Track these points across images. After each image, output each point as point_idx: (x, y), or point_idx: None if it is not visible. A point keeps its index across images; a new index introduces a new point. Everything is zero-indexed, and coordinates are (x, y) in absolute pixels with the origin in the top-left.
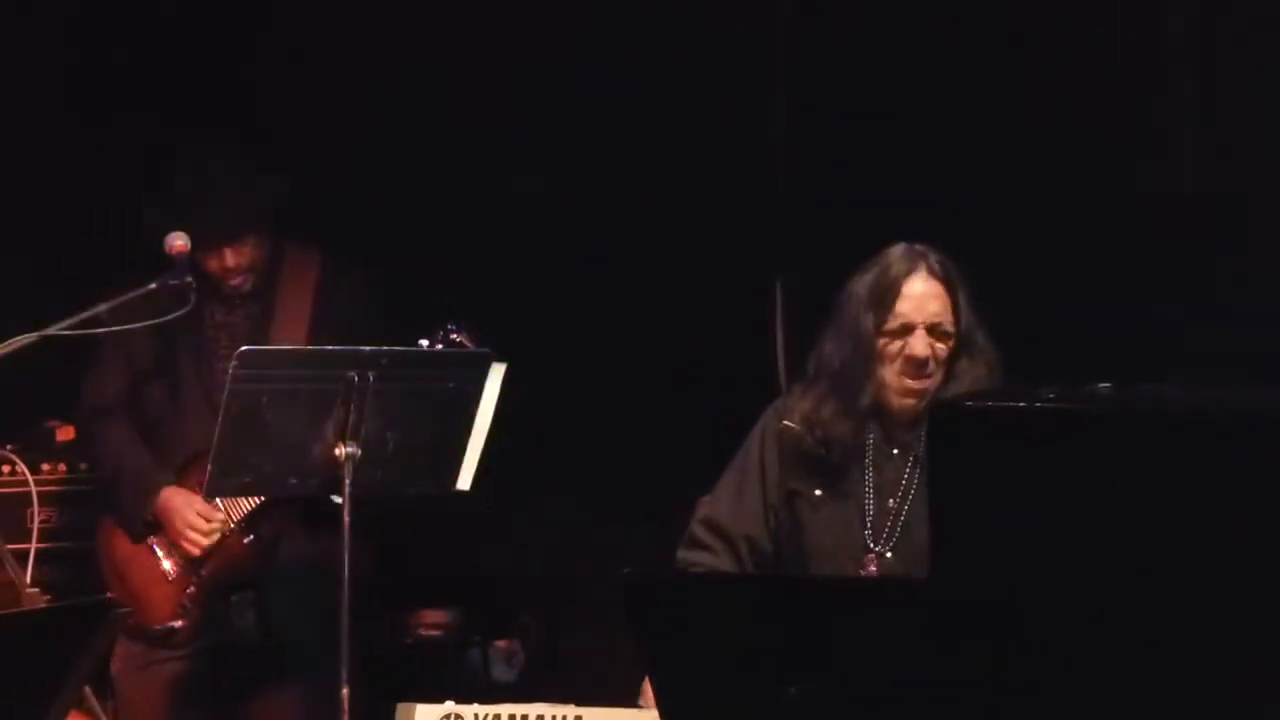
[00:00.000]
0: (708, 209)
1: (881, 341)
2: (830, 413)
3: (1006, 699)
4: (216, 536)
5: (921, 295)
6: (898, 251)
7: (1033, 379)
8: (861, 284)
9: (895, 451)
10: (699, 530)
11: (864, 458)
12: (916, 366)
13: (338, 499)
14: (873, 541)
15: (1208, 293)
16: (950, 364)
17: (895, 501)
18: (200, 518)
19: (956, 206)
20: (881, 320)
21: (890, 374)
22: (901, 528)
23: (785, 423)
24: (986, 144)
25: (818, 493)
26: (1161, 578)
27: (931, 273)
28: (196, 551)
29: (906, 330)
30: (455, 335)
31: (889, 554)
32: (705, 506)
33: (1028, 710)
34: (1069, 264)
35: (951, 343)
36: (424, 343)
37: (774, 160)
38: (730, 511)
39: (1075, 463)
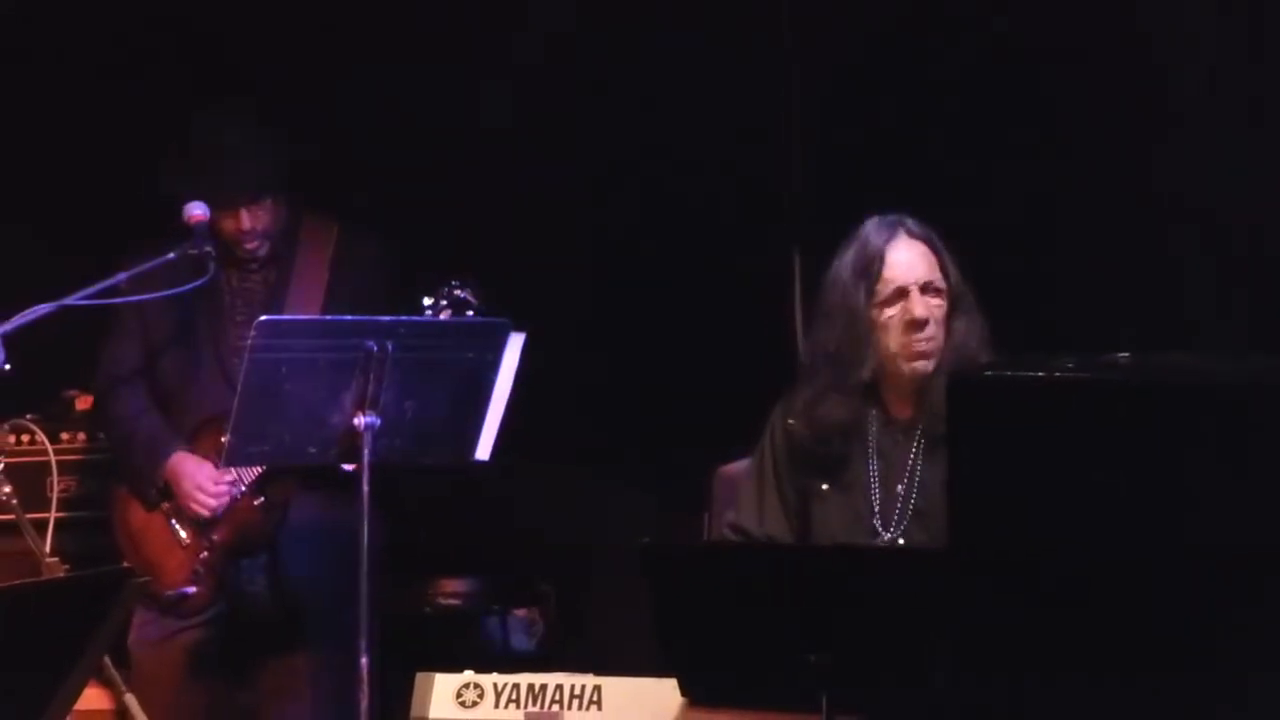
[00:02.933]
0: (727, 179)
1: (876, 312)
2: (830, 400)
3: (1026, 667)
4: (225, 500)
5: (908, 258)
6: (872, 224)
7: (1042, 350)
8: (843, 263)
9: (900, 434)
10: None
11: (867, 445)
12: (919, 327)
13: (349, 467)
14: (882, 528)
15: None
16: (949, 323)
17: (903, 487)
18: (209, 481)
19: (975, 179)
20: (872, 290)
21: (893, 341)
22: (911, 513)
23: (790, 421)
24: (1005, 116)
25: (824, 487)
26: (1181, 545)
27: (912, 235)
28: (205, 514)
29: (901, 294)
30: (459, 291)
31: (900, 541)
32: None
33: (1048, 679)
34: (1089, 238)
35: (946, 301)
36: (428, 300)
37: (792, 130)
38: (754, 515)
39: (1095, 432)
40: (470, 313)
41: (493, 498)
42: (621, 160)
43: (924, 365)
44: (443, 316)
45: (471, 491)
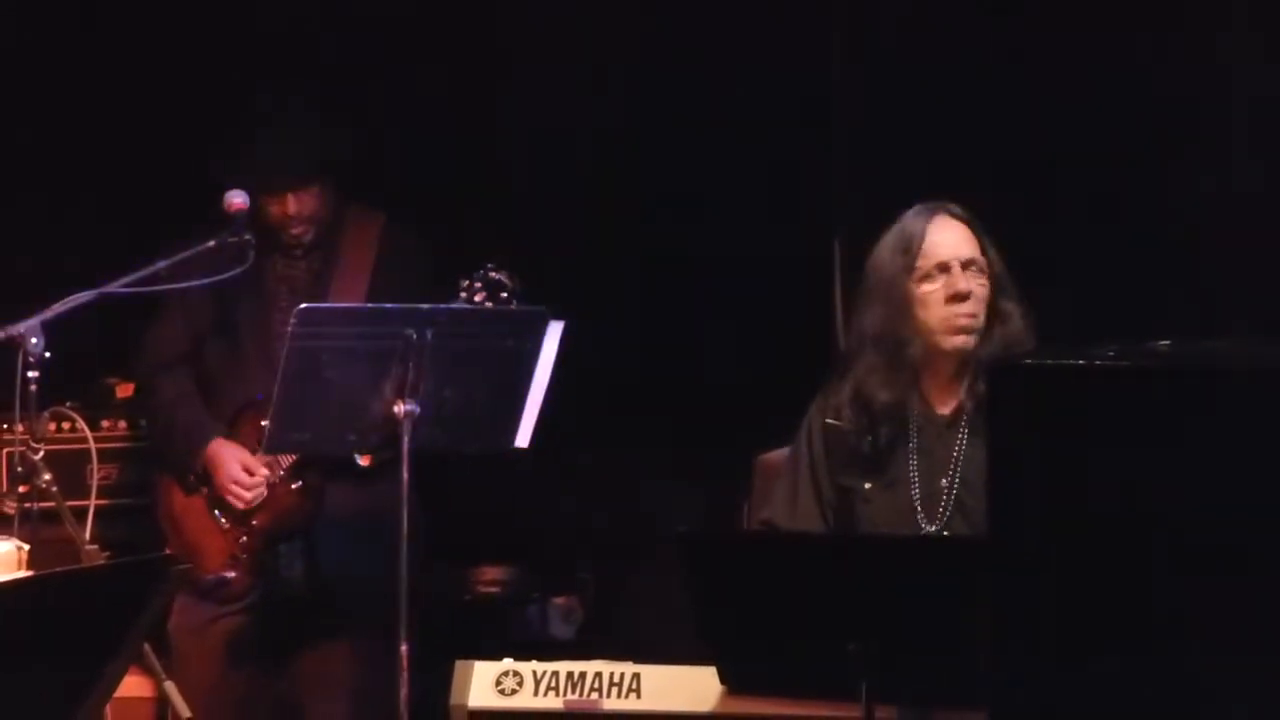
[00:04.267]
0: (768, 164)
1: (916, 288)
2: (876, 381)
3: (1063, 656)
4: (262, 491)
5: (949, 237)
6: (912, 210)
7: (1081, 337)
8: (884, 248)
9: (943, 427)
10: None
11: (909, 439)
12: (961, 299)
13: (364, 461)
14: (925, 523)
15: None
16: (993, 305)
17: (946, 480)
18: (245, 471)
19: (1018, 162)
20: (912, 267)
21: (934, 316)
22: (955, 506)
23: (828, 420)
24: (1050, 104)
25: (867, 486)
26: (1225, 531)
27: (953, 215)
28: (241, 505)
29: (942, 269)
30: (494, 273)
31: (944, 534)
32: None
33: (1085, 667)
34: (1131, 227)
35: (989, 281)
36: (464, 282)
37: (834, 117)
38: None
39: (1135, 420)
40: (504, 295)
41: (532, 486)
42: (663, 148)
43: (965, 341)
44: (478, 299)
45: (511, 479)
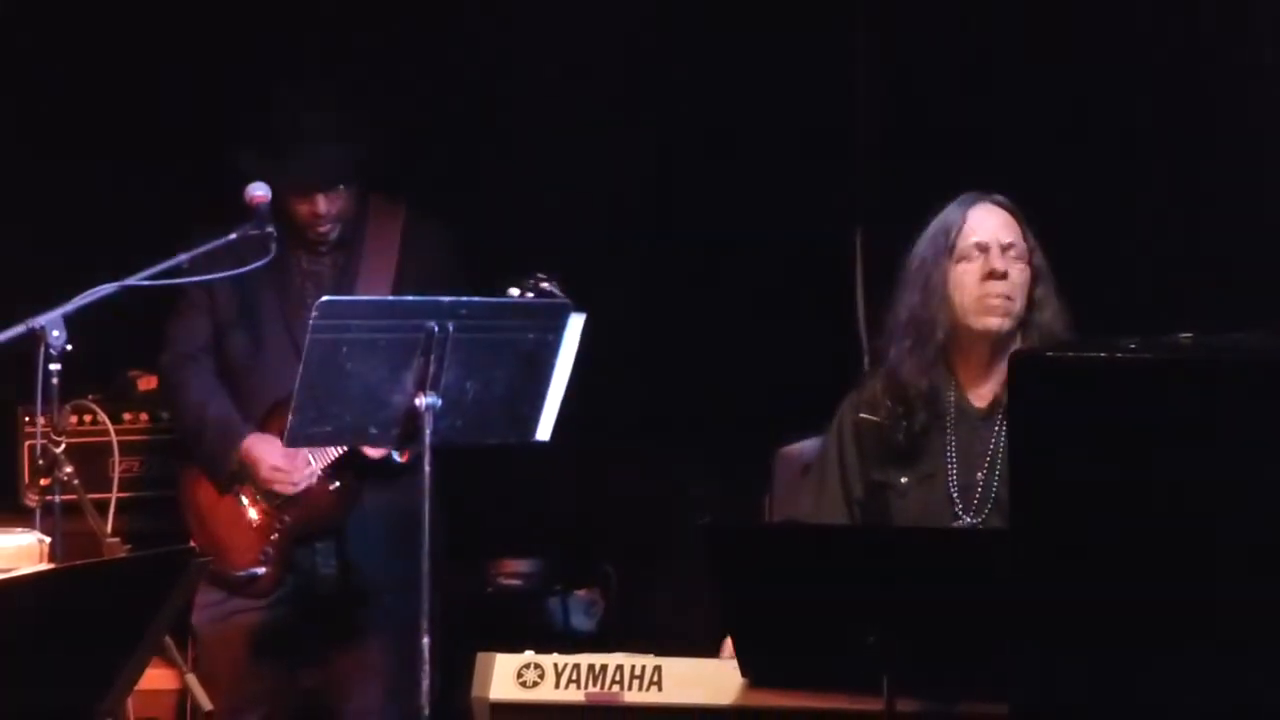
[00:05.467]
0: (788, 156)
1: (952, 268)
2: (910, 366)
3: (1086, 648)
4: (308, 474)
5: (990, 221)
6: (955, 199)
7: (1111, 330)
8: (923, 237)
9: (979, 420)
10: None
11: (945, 428)
12: (997, 277)
13: (400, 458)
14: (963, 514)
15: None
16: (1032, 293)
17: (983, 474)
18: (285, 460)
19: (1043, 157)
20: (951, 248)
21: (968, 295)
22: (993, 499)
23: (861, 415)
24: (1073, 94)
25: (903, 480)
26: (1252, 525)
27: (995, 203)
28: (290, 491)
29: (980, 249)
30: (545, 284)
31: (980, 528)
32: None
33: (1108, 659)
34: (1155, 221)
35: (1028, 269)
36: (514, 291)
37: (856, 107)
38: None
39: (1159, 413)
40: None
41: (553, 479)
42: (686, 140)
43: (998, 322)
44: None
45: (532, 472)
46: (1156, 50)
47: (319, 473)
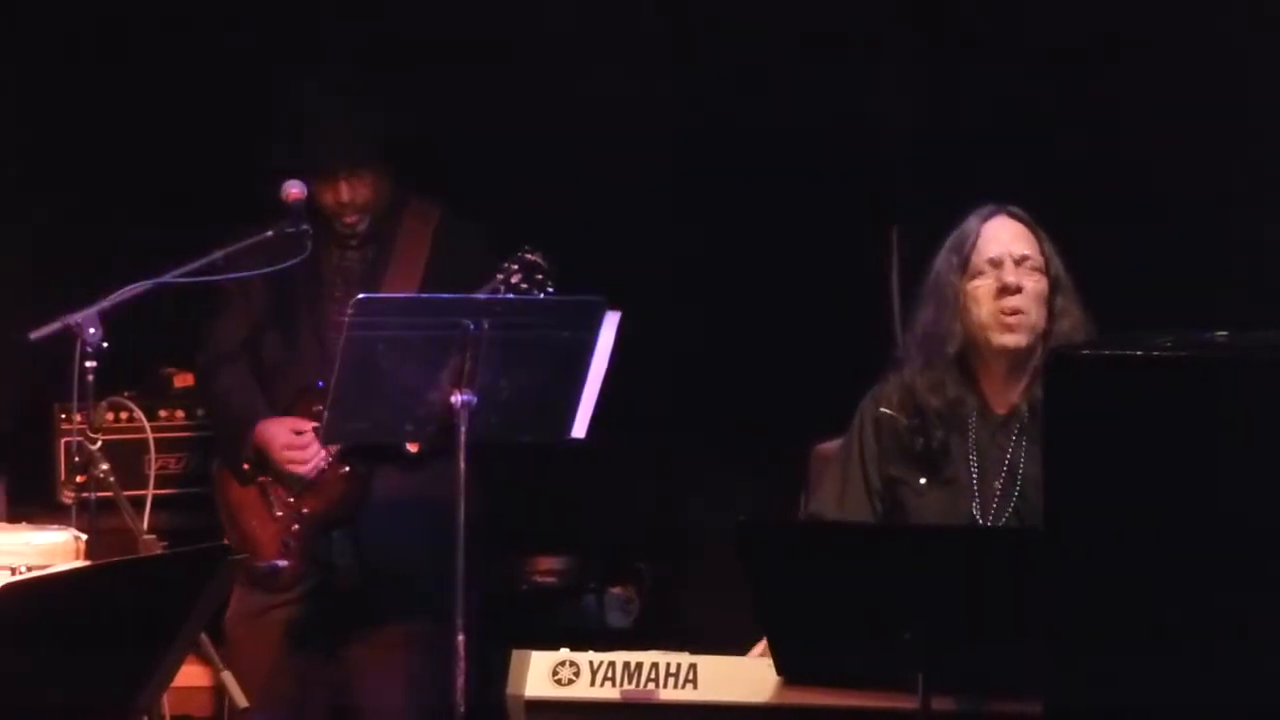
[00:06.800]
0: (827, 157)
1: (967, 284)
2: (924, 383)
3: (1122, 645)
4: (319, 456)
5: (1004, 234)
6: (973, 210)
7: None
8: (941, 250)
9: (998, 428)
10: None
11: (967, 435)
12: (1009, 293)
13: (410, 448)
14: (980, 518)
15: None
16: (1050, 305)
17: (1001, 483)
18: (296, 438)
19: (1079, 156)
20: (965, 263)
21: (983, 311)
22: (1011, 509)
23: (882, 409)
24: (1109, 92)
25: (922, 481)
26: None
27: (1011, 215)
28: (303, 470)
29: (994, 265)
30: (530, 255)
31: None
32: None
33: (1144, 656)
34: (1188, 220)
35: (1045, 280)
36: (501, 264)
37: (892, 104)
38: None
39: (1193, 411)
40: (540, 276)
41: (589, 476)
42: (721, 138)
43: (1014, 339)
44: (514, 280)
45: (568, 469)
46: (1189, 50)
47: (329, 457)
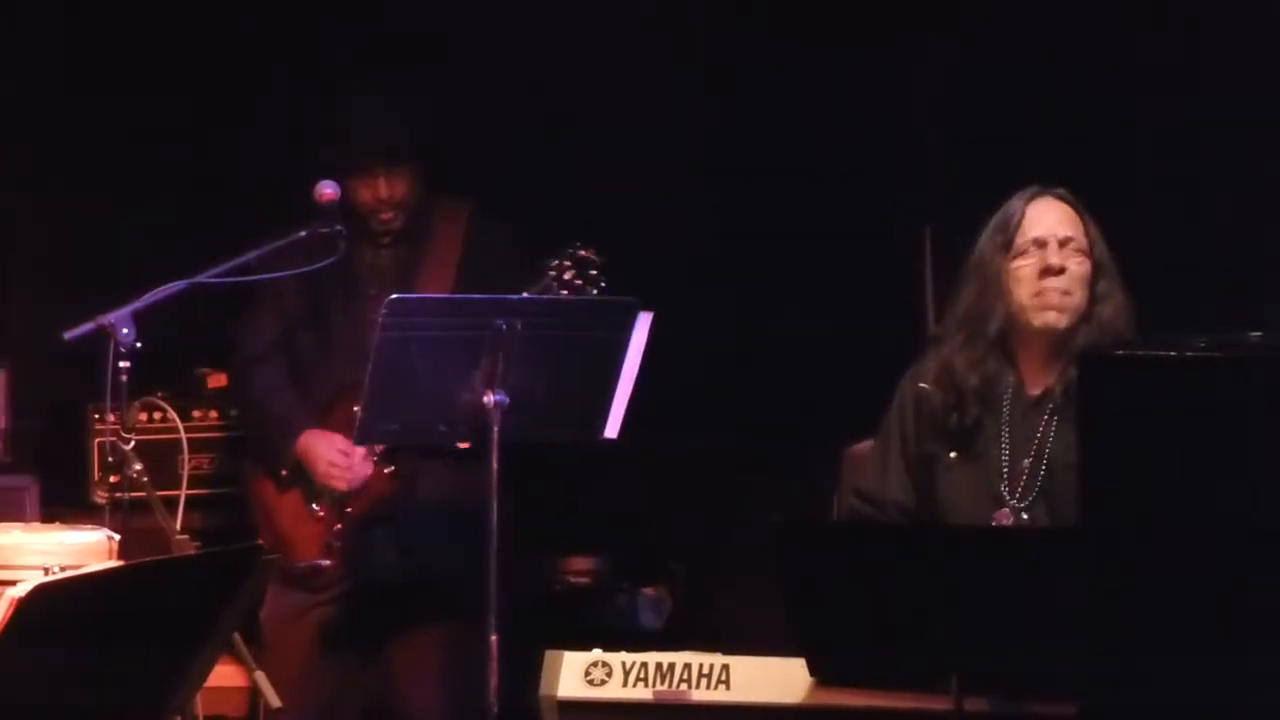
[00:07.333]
0: (859, 152)
1: (1010, 264)
2: (963, 361)
3: (1156, 644)
4: (364, 469)
5: (1049, 215)
6: (1018, 192)
7: (1175, 325)
8: (985, 230)
9: (1031, 406)
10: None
11: (1000, 413)
12: (1053, 273)
13: (463, 445)
14: (1008, 496)
15: None
16: (1093, 288)
17: (1029, 461)
18: (342, 455)
19: (1111, 153)
20: (1009, 244)
21: (1025, 291)
22: (1039, 487)
23: (920, 385)
24: (1142, 91)
25: (952, 455)
26: None
27: (1057, 196)
28: (344, 486)
29: (1038, 245)
30: (582, 251)
31: (1024, 514)
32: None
33: (1179, 655)
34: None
35: (1088, 262)
36: (552, 263)
37: (925, 105)
38: (878, 479)
39: (1229, 410)
40: (593, 272)
41: (621, 476)
42: (752, 137)
43: (1055, 318)
44: (567, 277)
45: (600, 470)
46: (1224, 48)
47: (374, 459)
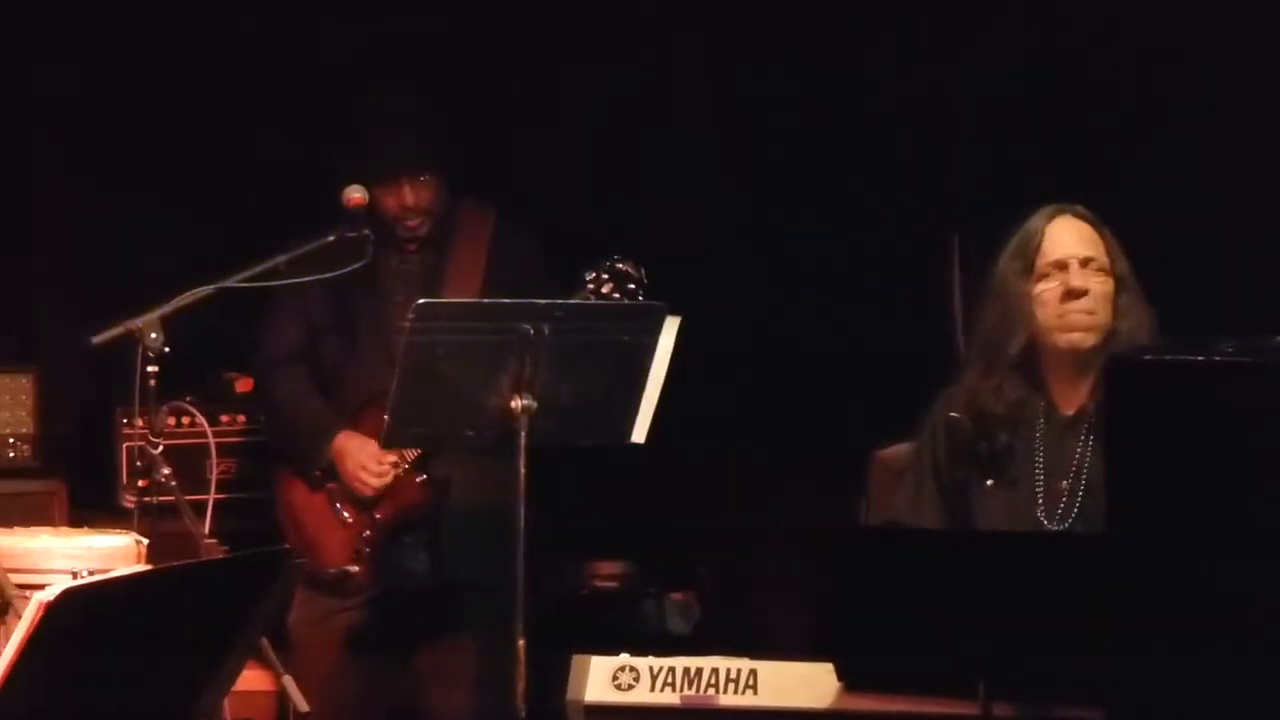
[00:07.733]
0: (888, 158)
1: (1032, 287)
2: (986, 388)
3: (1186, 650)
4: (389, 478)
5: (1069, 235)
6: (1036, 212)
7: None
8: (1005, 252)
9: (1066, 428)
10: None
11: (1034, 437)
12: (1075, 296)
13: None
14: (1046, 520)
15: None
16: (1115, 303)
17: (1068, 483)
18: (373, 459)
19: (1137, 163)
20: (1030, 266)
21: (1049, 314)
22: (1077, 509)
23: (951, 414)
24: (1168, 101)
25: (989, 483)
26: None
27: (1076, 215)
28: (368, 492)
29: (1059, 268)
30: (620, 264)
31: (1064, 531)
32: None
33: (1208, 661)
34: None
35: (1110, 280)
36: (589, 274)
37: (952, 114)
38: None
39: (1255, 416)
40: (631, 285)
41: (649, 481)
42: (780, 144)
43: (1080, 338)
44: (605, 289)
45: (628, 474)
46: (1251, 52)
47: (405, 467)
